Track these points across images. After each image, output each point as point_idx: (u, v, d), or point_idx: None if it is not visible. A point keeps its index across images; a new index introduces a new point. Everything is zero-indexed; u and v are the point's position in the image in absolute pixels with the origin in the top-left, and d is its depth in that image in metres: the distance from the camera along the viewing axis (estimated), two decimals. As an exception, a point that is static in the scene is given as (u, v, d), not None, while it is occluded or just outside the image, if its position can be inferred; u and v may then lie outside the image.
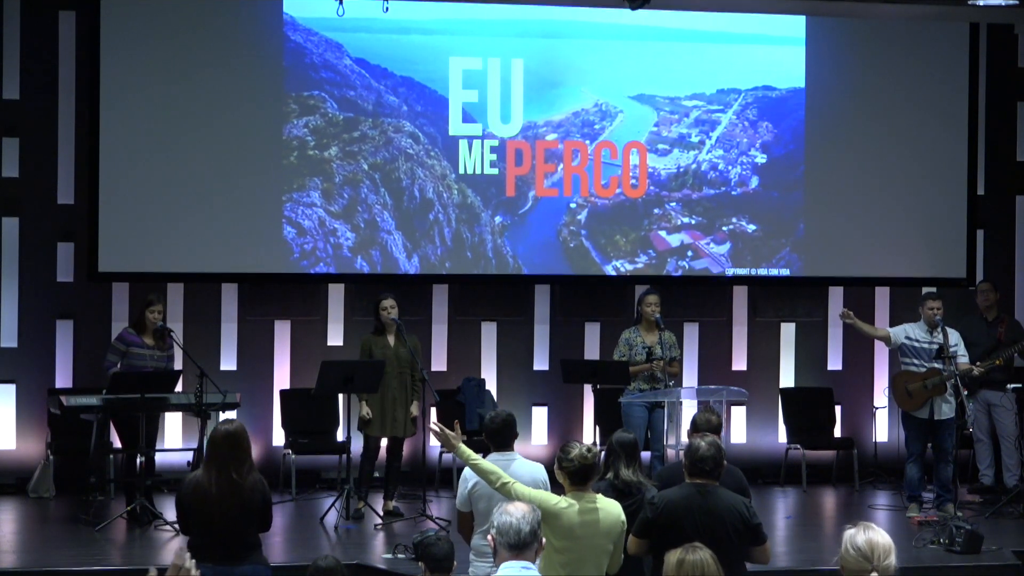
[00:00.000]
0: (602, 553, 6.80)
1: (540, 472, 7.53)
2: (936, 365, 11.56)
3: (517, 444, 7.71)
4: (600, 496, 6.94)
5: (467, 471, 7.33)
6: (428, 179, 12.74)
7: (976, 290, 13.05)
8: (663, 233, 13.31)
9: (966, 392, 11.68)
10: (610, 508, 6.87)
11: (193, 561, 5.88)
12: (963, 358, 11.74)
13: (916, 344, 11.76)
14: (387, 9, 10.61)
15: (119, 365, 11.14)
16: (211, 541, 7.27)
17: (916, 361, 11.72)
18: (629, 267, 13.24)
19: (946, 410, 11.60)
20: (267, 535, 10.71)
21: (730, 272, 13.55)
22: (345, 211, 12.61)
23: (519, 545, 5.51)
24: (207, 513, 7.25)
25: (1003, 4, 12.20)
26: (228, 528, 7.23)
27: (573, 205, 13.20)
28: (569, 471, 6.82)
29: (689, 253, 13.37)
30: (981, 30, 13.97)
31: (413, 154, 12.72)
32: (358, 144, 12.62)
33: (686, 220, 13.35)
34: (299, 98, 12.62)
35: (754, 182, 13.50)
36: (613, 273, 13.23)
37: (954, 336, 11.73)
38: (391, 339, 11.43)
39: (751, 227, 13.49)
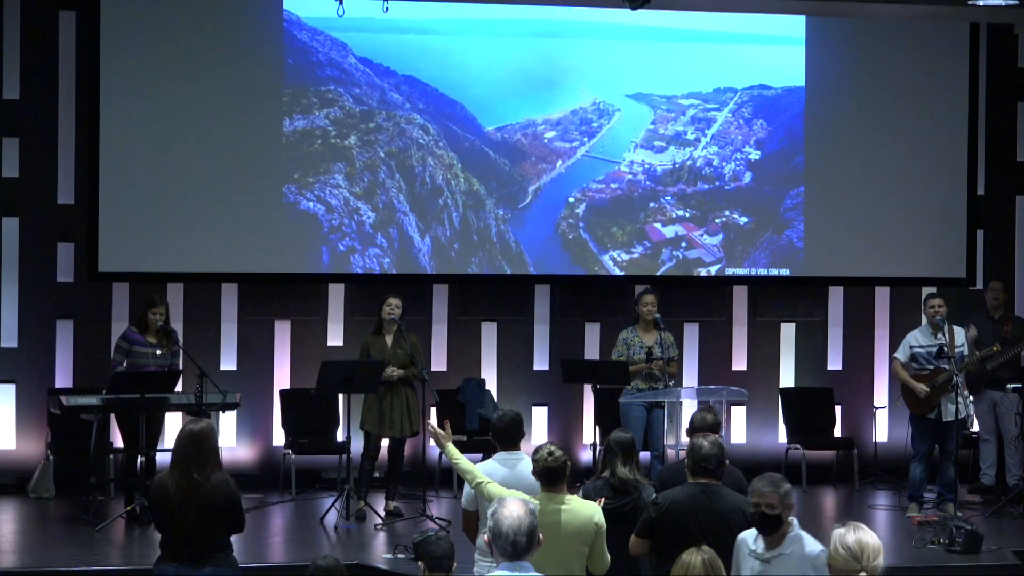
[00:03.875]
0: (571, 555, 6.80)
1: None
2: (942, 365, 11.57)
3: (516, 444, 7.73)
4: (574, 498, 6.96)
5: (476, 469, 7.36)
6: (438, 167, 13.04)
7: (987, 288, 13.04)
8: (658, 225, 13.42)
9: (966, 392, 11.72)
10: (580, 510, 6.87)
11: None
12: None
13: (922, 349, 11.77)
14: (387, 9, 10.64)
15: (124, 364, 11.15)
16: (175, 541, 7.25)
17: (924, 366, 11.73)
18: (625, 257, 13.33)
19: (952, 411, 11.60)
20: (264, 535, 10.80)
21: (729, 271, 13.58)
22: (366, 192, 12.91)
23: (517, 554, 5.48)
24: (168, 512, 7.22)
25: (1003, 4, 12.19)
26: (190, 528, 7.17)
27: (571, 199, 13.27)
28: (536, 472, 6.92)
29: (683, 244, 13.45)
30: (981, 30, 13.97)
31: (424, 144, 13.02)
32: (374, 134, 12.93)
33: (680, 213, 13.44)
34: (318, 92, 12.78)
35: (747, 177, 13.57)
36: (610, 263, 13.29)
37: (960, 335, 11.74)
38: (389, 339, 11.44)
39: (743, 219, 13.55)
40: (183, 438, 7.28)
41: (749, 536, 6.50)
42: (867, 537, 5.13)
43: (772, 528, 6.32)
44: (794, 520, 6.41)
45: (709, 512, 6.81)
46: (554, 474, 6.87)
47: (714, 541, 6.32)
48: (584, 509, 6.88)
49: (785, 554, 6.30)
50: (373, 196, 12.90)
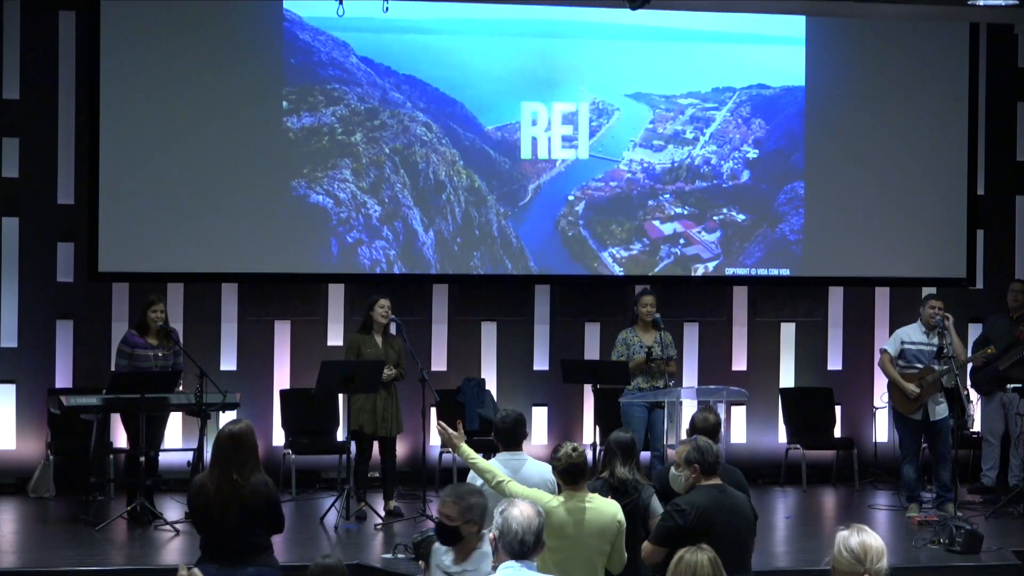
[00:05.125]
0: (596, 553, 6.78)
1: (549, 472, 7.52)
2: (934, 366, 11.56)
3: (517, 444, 7.74)
4: (596, 496, 6.93)
5: (495, 468, 7.35)
6: (440, 164, 13.16)
7: (1008, 288, 13.02)
8: (657, 223, 13.48)
9: (967, 392, 11.71)
10: (604, 508, 6.85)
11: (196, 570, 5.88)
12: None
13: (913, 347, 11.74)
14: (387, 9, 10.65)
15: (127, 367, 11.14)
16: (216, 541, 7.26)
17: (911, 363, 11.71)
18: (624, 254, 13.39)
19: (939, 411, 11.59)
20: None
21: (729, 271, 13.60)
22: (372, 187, 13.05)
23: (523, 554, 5.49)
24: (208, 513, 7.24)
25: (1003, 4, 12.20)
26: (230, 529, 7.20)
27: (571, 198, 13.30)
28: (558, 470, 6.89)
29: (681, 241, 13.50)
30: (981, 30, 13.98)
31: (427, 141, 13.14)
32: (379, 131, 13.07)
33: (679, 211, 13.49)
34: (324, 90, 12.87)
35: (745, 176, 13.61)
36: (609, 260, 13.34)
37: (948, 340, 11.71)
38: (378, 339, 11.45)
39: (740, 217, 13.60)
40: (223, 439, 7.29)
41: (442, 547, 6.37)
42: (871, 539, 5.10)
43: (448, 539, 6.19)
44: (485, 534, 6.12)
45: (729, 511, 6.84)
46: (578, 470, 6.85)
47: (735, 538, 6.35)
48: (607, 507, 6.88)
49: (470, 571, 6.16)
50: (379, 191, 13.02)
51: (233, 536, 7.21)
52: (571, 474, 6.84)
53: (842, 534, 5.13)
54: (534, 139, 13.26)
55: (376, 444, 11.53)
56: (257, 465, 7.32)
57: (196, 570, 5.91)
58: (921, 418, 11.60)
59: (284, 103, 12.80)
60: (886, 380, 12.01)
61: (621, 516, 6.87)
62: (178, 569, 6.07)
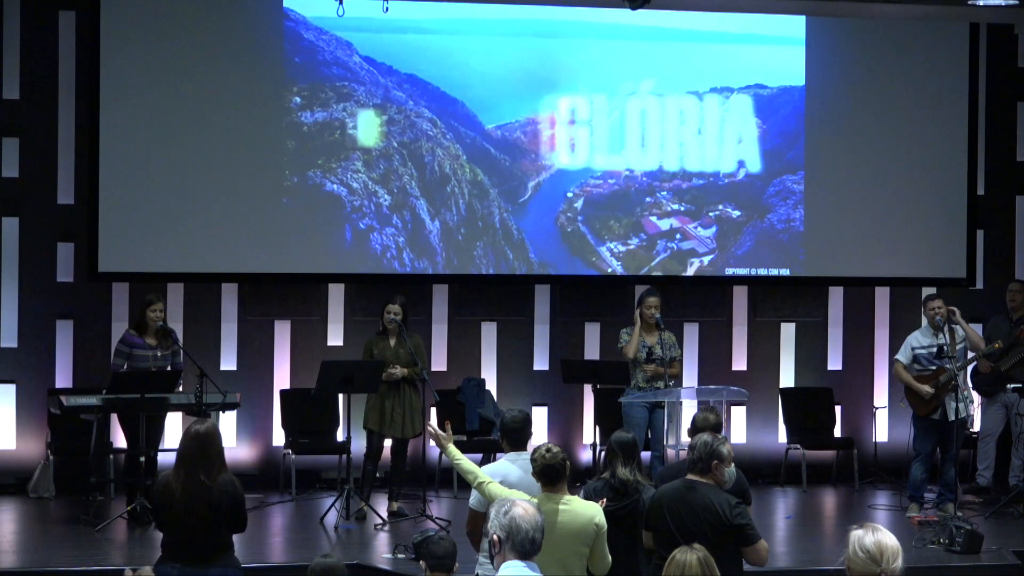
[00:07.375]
0: (572, 555, 6.78)
1: None
2: (944, 364, 11.57)
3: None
4: (575, 498, 6.95)
5: (486, 470, 7.36)
6: (445, 158, 13.28)
7: (1007, 289, 13.01)
8: (654, 218, 13.52)
9: (966, 392, 11.72)
10: (581, 510, 6.85)
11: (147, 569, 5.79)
12: (970, 353, 11.82)
13: (924, 350, 11.76)
14: (387, 9, 10.65)
15: (125, 367, 11.13)
16: (179, 541, 7.19)
17: (925, 367, 11.72)
18: (622, 248, 13.44)
19: (957, 410, 11.59)
20: (264, 535, 10.81)
21: (729, 271, 13.61)
22: (382, 178, 13.19)
23: (531, 553, 5.49)
24: (174, 514, 7.16)
25: (1003, 4, 12.20)
26: (196, 529, 7.13)
27: (570, 195, 13.33)
28: (535, 472, 6.89)
29: (677, 236, 13.55)
30: (981, 30, 13.97)
31: (432, 136, 13.27)
32: (387, 126, 13.19)
33: (676, 207, 13.52)
34: (334, 87, 12.97)
35: (742, 174, 13.66)
36: (607, 254, 13.38)
37: (960, 334, 11.71)
38: (392, 341, 11.46)
39: (736, 213, 13.63)
40: (189, 439, 7.23)
41: None
42: (886, 539, 5.05)
43: None
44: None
45: (686, 508, 6.88)
46: (554, 471, 6.84)
47: (689, 538, 6.32)
48: (585, 510, 6.86)
49: None
50: (388, 181, 13.15)
51: (198, 536, 7.15)
52: (547, 475, 6.86)
53: (857, 533, 5.08)
54: (534, 138, 13.28)
55: (388, 444, 11.51)
56: (223, 465, 7.25)
57: (147, 569, 5.83)
58: (939, 417, 11.61)
59: (297, 99, 12.82)
60: (898, 385, 12.01)
61: (600, 519, 6.85)
62: (124, 571, 5.92)
